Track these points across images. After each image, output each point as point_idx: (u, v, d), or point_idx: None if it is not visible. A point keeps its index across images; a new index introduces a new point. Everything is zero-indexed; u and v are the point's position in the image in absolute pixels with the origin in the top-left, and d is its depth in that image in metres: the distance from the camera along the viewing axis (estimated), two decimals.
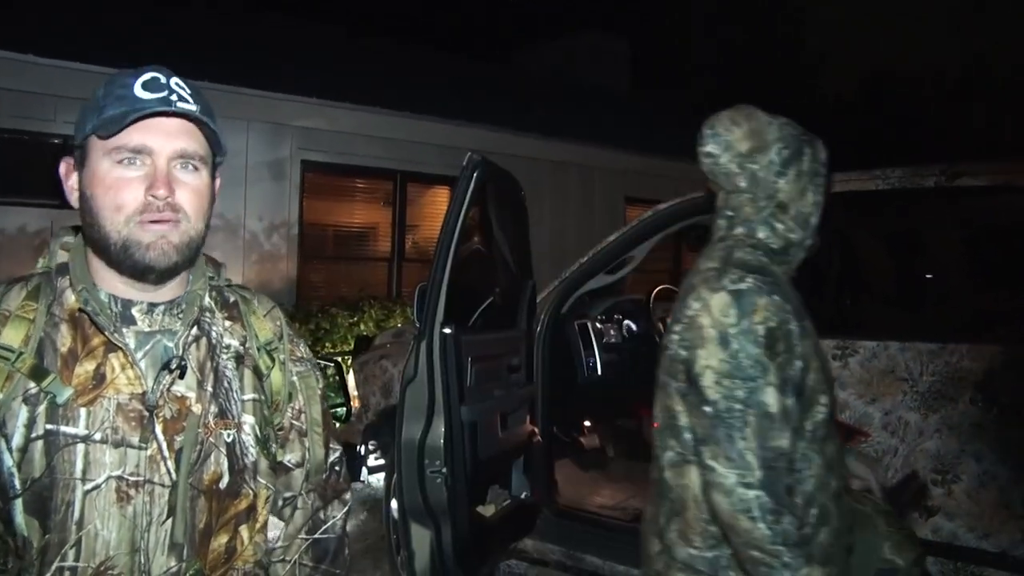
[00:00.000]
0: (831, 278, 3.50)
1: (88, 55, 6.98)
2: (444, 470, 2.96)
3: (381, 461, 4.65)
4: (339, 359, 5.73)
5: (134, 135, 1.22)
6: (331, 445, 1.53)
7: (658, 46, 24.26)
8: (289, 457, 1.45)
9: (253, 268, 8.04)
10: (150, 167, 1.24)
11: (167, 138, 1.24)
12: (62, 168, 1.30)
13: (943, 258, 3.48)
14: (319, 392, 1.51)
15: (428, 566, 3.06)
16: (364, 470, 4.77)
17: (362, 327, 7.23)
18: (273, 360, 1.44)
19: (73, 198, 1.29)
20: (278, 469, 1.43)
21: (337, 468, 1.55)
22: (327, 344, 7.07)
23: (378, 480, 5.36)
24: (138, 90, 1.23)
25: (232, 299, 1.44)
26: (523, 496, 3.59)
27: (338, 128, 8.53)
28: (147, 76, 1.25)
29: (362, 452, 4.58)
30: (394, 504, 3.73)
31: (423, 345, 2.98)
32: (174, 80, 1.27)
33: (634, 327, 4.66)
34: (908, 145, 19.95)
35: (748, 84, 24.15)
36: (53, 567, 1.19)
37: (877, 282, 3.71)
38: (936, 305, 3.43)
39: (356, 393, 4.66)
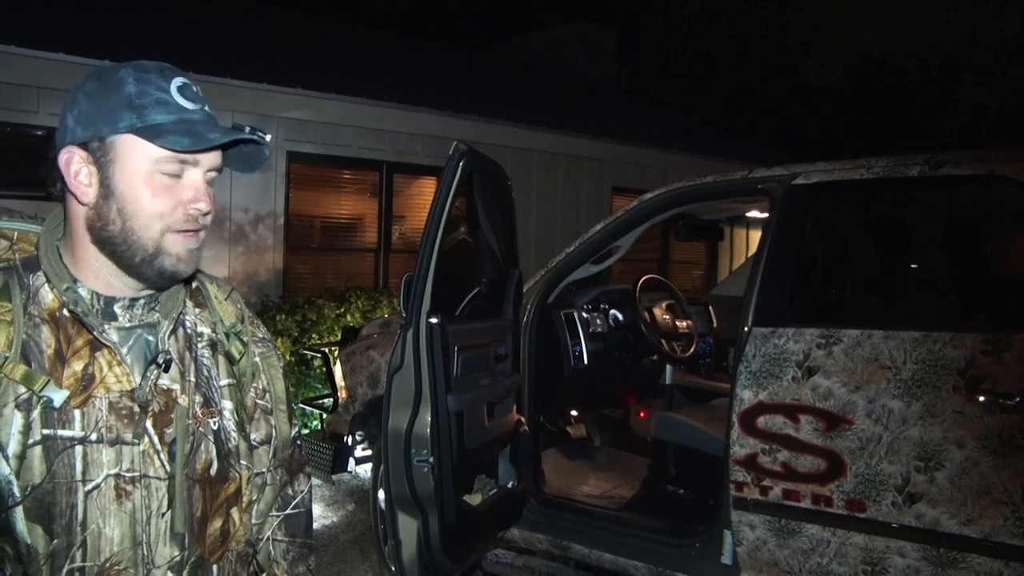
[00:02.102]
0: (815, 267, 3.52)
1: (71, 46, 6.92)
2: (431, 459, 2.97)
3: (368, 452, 4.66)
4: (326, 350, 5.74)
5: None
6: (293, 420, 1.57)
7: (644, 36, 24.25)
8: (255, 436, 1.48)
9: (239, 259, 8.01)
10: (187, 178, 1.23)
11: (209, 152, 1.25)
12: (66, 158, 1.21)
13: (927, 247, 3.51)
14: (281, 370, 1.55)
15: (415, 555, 3.06)
16: (351, 461, 4.77)
17: (348, 318, 7.21)
18: (244, 344, 1.46)
19: (87, 194, 1.22)
20: (250, 448, 1.46)
21: (299, 442, 1.61)
22: (314, 335, 7.05)
23: (365, 471, 5.37)
24: (178, 97, 1.22)
25: (194, 284, 1.44)
26: (510, 485, 3.60)
27: (324, 119, 8.49)
28: (180, 81, 1.23)
29: (349, 443, 4.59)
30: (381, 494, 3.74)
31: (409, 334, 2.98)
32: (196, 87, 1.26)
33: (620, 317, 4.68)
34: (894, 133, 20.06)
35: (735, 74, 24.23)
36: (64, 571, 1.20)
37: (861, 271, 3.73)
38: (919, 293, 3.45)
39: (343, 384, 4.66)
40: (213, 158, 1.26)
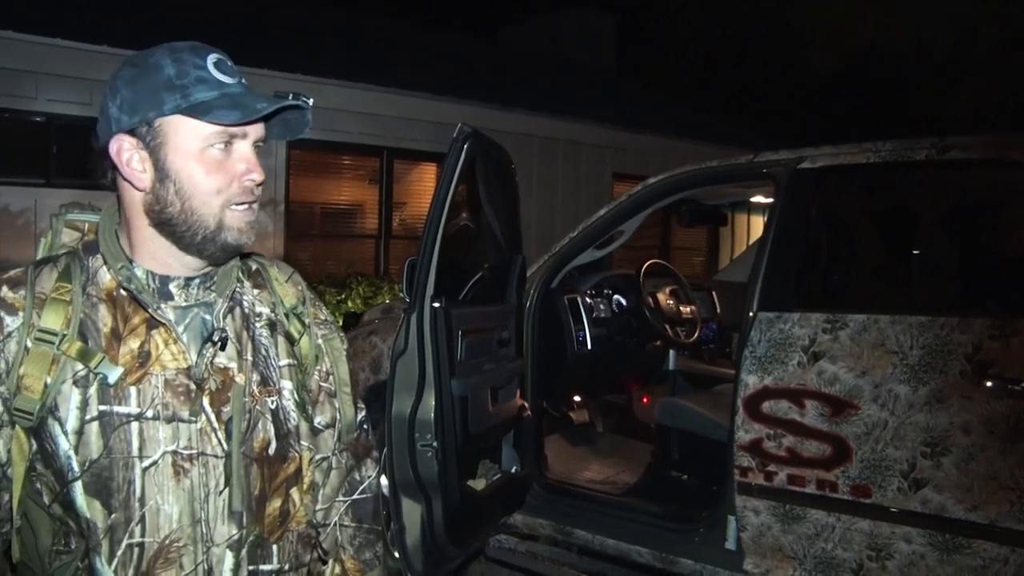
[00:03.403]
0: (821, 251, 3.51)
1: (70, 32, 6.89)
2: (435, 444, 2.96)
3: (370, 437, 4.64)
4: None
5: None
6: (358, 404, 1.57)
7: (646, 24, 24.16)
8: (319, 419, 1.49)
9: None
10: (236, 151, 1.25)
11: (255, 123, 1.27)
12: (116, 147, 1.23)
13: (933, 231, 3.49)
14: (344, 353, 1.55)
15: (419, 540, 3.06)
16: None
17: (350, 304, 7.22)
18: (303, 324, 1.46)
19: (143, 179, 1.24)
20: (313, 431, 1.47)
21: (365, 427, 1.61)
22: None
23: None
24: (216, 72, 1.23)
25: (254, 267, 1.46)
26: (513, 470, 3.59)
27: (324, 105, 8.41)
28: (215, 57, 1.25)
29: None
30: (384, 479, 3.73)
31: (413, 318, 2.96)
32: (229, 60, 1.28)
33: (624, 302, 4.66)
34: (895, 127, 20.01)
35: (735, 60, 24.16)
36: (123, 545, 1.22)
37: (867, 255, 3.72)
38: (926, 278, 3.44)
39: None
40: (259, 128, 1.28)
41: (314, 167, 8.93)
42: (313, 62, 8.63)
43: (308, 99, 1.29)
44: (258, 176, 1.27)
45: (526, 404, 3.64)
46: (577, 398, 4.77)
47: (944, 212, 3.42)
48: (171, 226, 1.25)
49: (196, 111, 1.20)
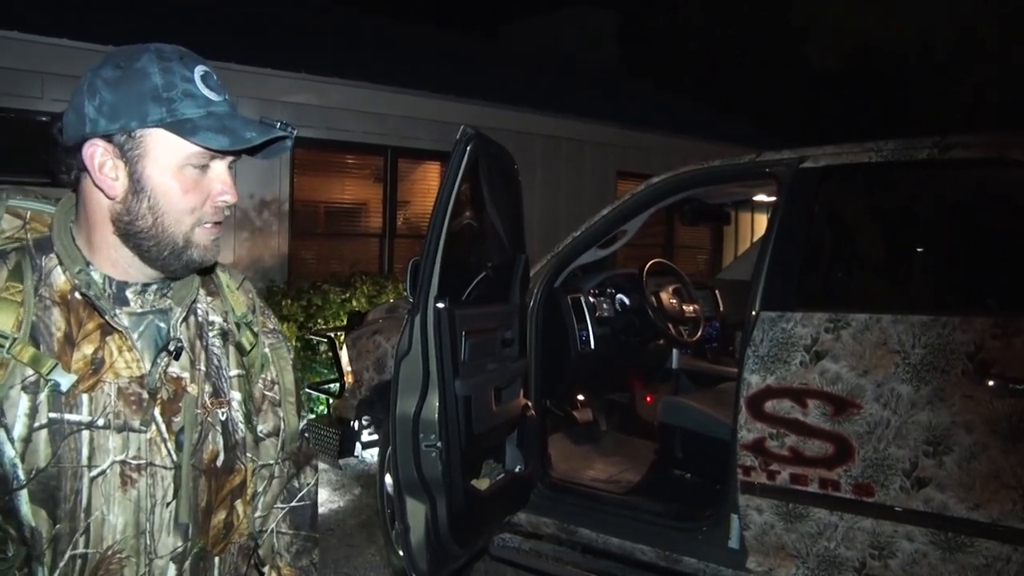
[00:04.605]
0: (823, 250, 3.51)
1: (74, 32, 6.89)
2: (439, 444, 2.97)
3: (375, 436, 4.67)
4: (332, 335, 5.74)
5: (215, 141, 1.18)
6: (302, 413, 1.55)
7: (645, 21, 24.11)
8: (262, 427, 1.47)
9: (244, 245, 8.00)
10: (212, 170, 1.23)
11: None
12: (90, 151, 1.17)
13: (935, 231, 3.49)
14: (290, 362, 1.52)
15: (423, 540, 3.07)
16: (358, 445, 4.79)
17: (354, 303, 7.22)
18: (255, 335, 1.44)
19: (114, 188, 1.19)
20: (256, 440, 1.45)
21: (307, 435, 1.59)
22: (319, 320, 7.06)
23: (372, 455, 5.38)
24: (203, 88, 1.19)
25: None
26: (517, 470, 3.60)
27: (328, 103, 8.46)
28: (202, 70, 1.21)
29: (356, 427, 4.60)
30: (388, 479, 3.75)
31: (417, 319, 2.98)
32: (215, 74, 1.24)
33: (627, 301, 4.67)
34: (896, 119, 20.00)
35: (737, 58, 24.12)
36: (66, 556, 1.19)
37: (869, 255, 3.72)
38: (928, 277, 3.44)
39: (349, 368, 4.67)
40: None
41: (318, 166, 8.92)
42: (315, 61, 8.62)
43: (293, 130, 1.25)
44: (231, 198, 1.24)
45: (530, 404, 3.65)
46: (581, 397, 4.78)
47: (946, 211, 3.42)
48: (138, 239, 1.21)
49: (182, 128, 1.16)
